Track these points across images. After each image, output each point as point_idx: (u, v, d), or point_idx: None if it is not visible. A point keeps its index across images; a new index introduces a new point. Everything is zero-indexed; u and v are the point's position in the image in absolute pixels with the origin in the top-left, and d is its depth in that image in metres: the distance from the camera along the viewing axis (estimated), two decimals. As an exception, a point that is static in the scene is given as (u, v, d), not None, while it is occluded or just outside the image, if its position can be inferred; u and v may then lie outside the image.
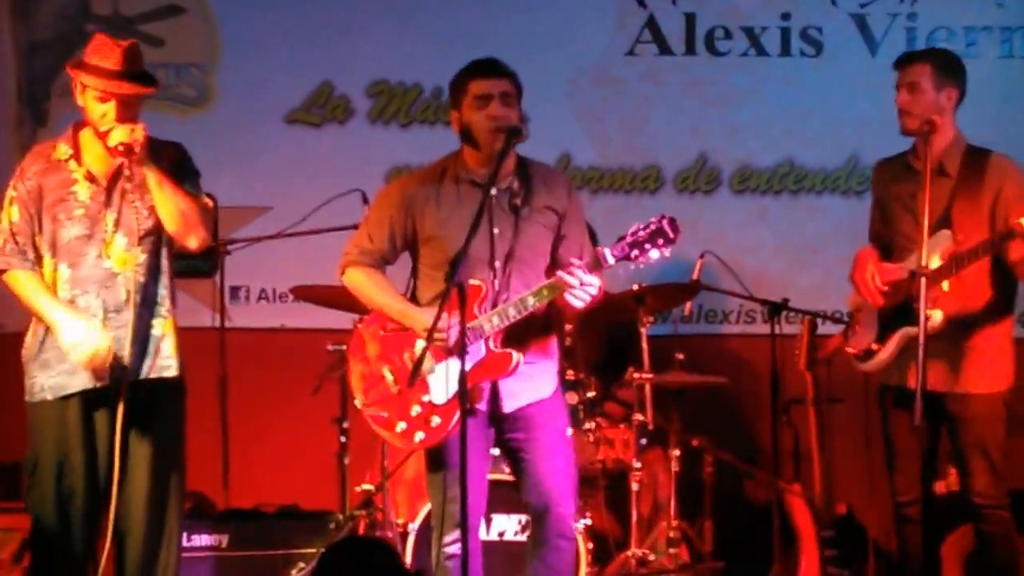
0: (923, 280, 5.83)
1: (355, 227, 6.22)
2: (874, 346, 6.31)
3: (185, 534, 6.72)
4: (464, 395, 5.39)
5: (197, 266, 8.09)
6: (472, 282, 5.63)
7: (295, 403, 7.79)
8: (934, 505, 6.37)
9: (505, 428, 5.84)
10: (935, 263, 5.99)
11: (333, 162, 8.38)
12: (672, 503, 7.15)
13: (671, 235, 5.59)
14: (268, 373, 8.24)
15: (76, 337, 5.65)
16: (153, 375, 5.80)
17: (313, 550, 6.79)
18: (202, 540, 6.93)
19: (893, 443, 6.32)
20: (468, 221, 5.56)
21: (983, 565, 6.38)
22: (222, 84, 8.55)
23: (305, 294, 7.44)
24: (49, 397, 5.75)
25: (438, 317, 5.48)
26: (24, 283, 5.80)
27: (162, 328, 5.84)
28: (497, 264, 5.75)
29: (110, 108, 5.63)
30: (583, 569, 6.72)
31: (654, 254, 5.61)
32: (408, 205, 5.84)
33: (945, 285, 6.06)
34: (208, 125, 8.44)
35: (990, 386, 6.21)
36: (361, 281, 5.90)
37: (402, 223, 5.85)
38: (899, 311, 6.16)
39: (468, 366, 5.42)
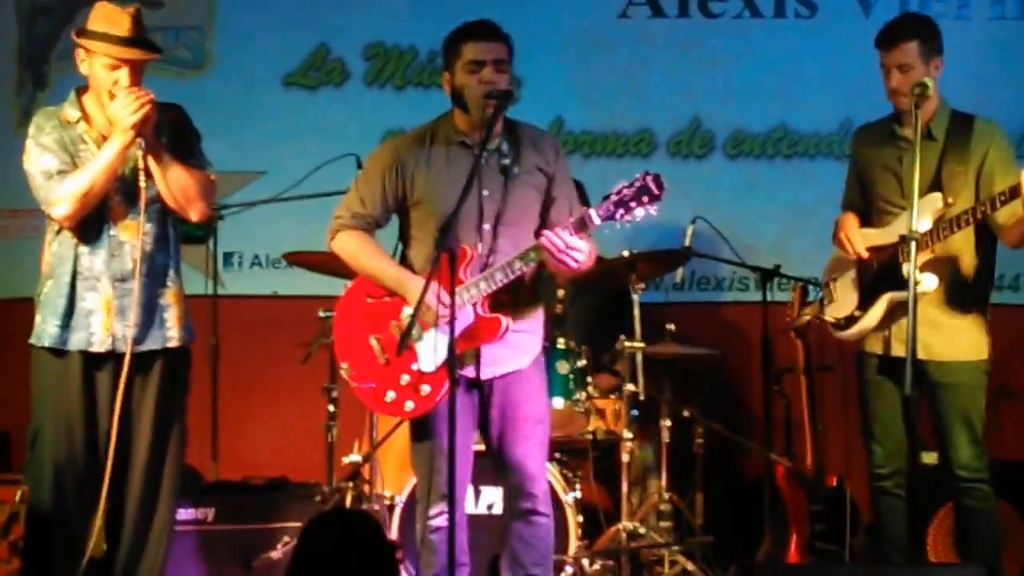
0: (913, 244, 5.56)
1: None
2: (856, 312, 6.12)
3: None
4: (453, 364, 5.23)
5: (190, 231, 7.75)
6: (460, 246, 5.43)
7: (287, 372, 7.57)
8: (919, 479, 6.16)
9: (482, 398, 5.64)
10: (926, 226, 5.84)
11: (328, 125, 8.14)
12: (663, 475, 6.91)
13: (656, 192, 5.34)
14: (260, 341, 8.02)
15: None
16: (157, 345, 5.68)
17: (299, 524, 6.40)
18: (187, 514, 6.63)
19: (873, 413, 6.13)
20: (458, 183, 5.39)
21: (966, 541, 6.16)
22: (219, 47, 8.29)
23: (298, 259, 7.19)
24: (47, 344, 5.62)
25: (426, 287, 5.29)
26: None
27: (167, 298, 5.72)
28: (486, 227, 5.55)
29: (122, 74, 5.52)
30: (572, 543, 6.51)
31: (639, 212, 5.36)
32: (399, 167, 5.63)
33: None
34: (205, 89, 8.18)
35: (973, 353, 6.02)
36: (352, 246, 5.69)
37: (393, 185, 5.63)
38: (883, 277, 5.98)
39: (456, 332, 5.26)
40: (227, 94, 8.17)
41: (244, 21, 8.22)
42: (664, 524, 6.80)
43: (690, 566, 6.66)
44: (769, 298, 6.99)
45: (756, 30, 8.10)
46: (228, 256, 8.07)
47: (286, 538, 6.54)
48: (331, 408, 7.01)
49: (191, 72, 8.22)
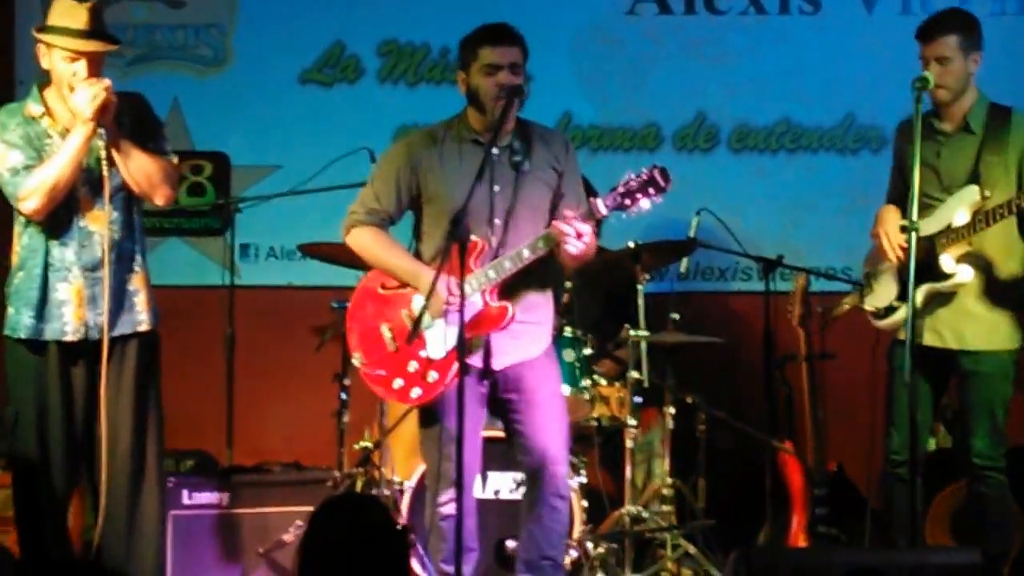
0: (913, 235, 5.59)
1: (363, 185, 6.01)
2: (895, 303, 6.14)
3: (187, 492, 6.74)
4: (463, 351, 5.27)
5: (209, 224, 8.11)
6: (471, 238, 5.45)
7: (301, 360, 7.62)
8: (924, 462, 6.15)
9: (498, 387, 5.70)
10: (963, 219, 5.89)
11: (343, 121, 8.15)
12: (666, 461, 6.94)
13: (662, 184, 5.44)
14: (275, 330, 8.03)
15: None
16: (128, 330, 5.74)
17: (312, 508, 6.44)
18: (203, 498, 6.75)
19: (898, 400, 6.09)
20: (469, 179, 5.45)
21: (977, 526, 6.18)
22: (239, 45, 8.31)
23: (312, 251, 7.25)
24: (23, 336, 5.68)
25: (436, 277, 5.36)
26: None
27: (135, 283, 5.78)
28: (496, 221, 5.63)
29: (80, 67, 5.56)
30: (577, 527, 6.54)
31: (645, 203, 5.46)
32: (413, 164, 5.70)
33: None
34: (224, 86, 8.27)
35: (1006, 343, 6.05)
36: (368, 240, 5.76)
37: (407, 182, 5.71)
38: (921, 268, 5.87)
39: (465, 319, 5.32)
40: (245, 91, 8.21)
41: (263, 20, 8.24)
42: (667, 508, 6.83)
43: (692, 549, 6.68)
44: (772, 288, 7.00)
45: (761, 27, 8.11)
46: (244, 247, 8.09)
47: (299, 522, 6.57)
48: (343, 396, 7.04)
49: (211, 69, 8.26)
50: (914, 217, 5.60)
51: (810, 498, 6.73)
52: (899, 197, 6.21)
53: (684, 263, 7.45)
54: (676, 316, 7.01)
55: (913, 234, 5.59)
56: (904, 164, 6.17)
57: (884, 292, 6.20)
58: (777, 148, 8.10)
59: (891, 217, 6.12)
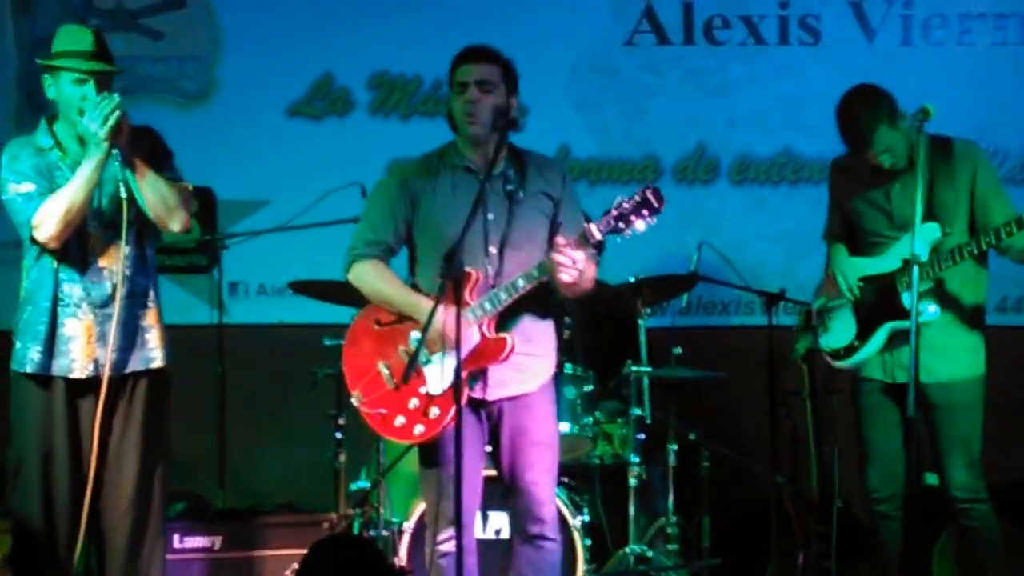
0: (916, 269, 5.54)
1: (355, 220, 6.00)
2: (856, 343, 6.09)
3: (178, 535, 6.70)
4: (459, 389, 5.24)
5: (194, 261, 8.03)
6: (466, 269, 5.41)
7: (294, 399, 7.60)
8: (919, 500, 6.12)
9: (491, 419, 5.63)
10: (924, 256, 5.80)
11: (333, 155, 8.12)
12: (670, 498, 6.89)
13: (656, 204, 5.35)
14: (266, 369, 7.97)
15: None
16: (140, 367, 5.69)
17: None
18: (196, 542, 6.72)
19: (870, 437, 6.13)
20: (462, 208, 5.42)
21: (965, 563, 6.17)
22: (223, 77, 8.28)
23: (303, 288, 7.18)
24: (29, 370, 5.61)
25: (433, 312, 5.30)
26: None
27: (148, 319, 5.73)
28: (492, 250, 5.56)
29: (90, 89, 5.56)
30: (580, 566, 6.50)
31: (640, 225, 5.36)
32: (407, 192, 5.66)
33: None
34: (208, 119, 8.24)
35: (971, 370, 6.02)
36: (369, 274, 5.67)
37: (403, 210, 5.65)
38: (880, 306, 5.96)
39: (463, 354, 5.31)
40: (231, 124, 8.18)
41: (248, 51, 8.22)
42: (671, 547, 6.78)
43: (697, 588, 6.66)
44: (774, 322, 6.95)
45: (760, 56, 8.15)
46: (233, 285, 8.05)
47: (294, 565, 6.47)
48: (338, 435, 6.99)
49: (194, 102, 8.23)
50: (915, 251, 5.55)
51: (815, 535, 6.71)
52: (841, 234, 6.20)
53: (685, 297, 7.44)
54: (679, 350, 6.97)
55: (916, 268, 5.53)
56: (846, 203, 6.16)
57: (841, 332, 6.16)
58: (779, 179, 8.13)
59: (844, 258, 6.12)
